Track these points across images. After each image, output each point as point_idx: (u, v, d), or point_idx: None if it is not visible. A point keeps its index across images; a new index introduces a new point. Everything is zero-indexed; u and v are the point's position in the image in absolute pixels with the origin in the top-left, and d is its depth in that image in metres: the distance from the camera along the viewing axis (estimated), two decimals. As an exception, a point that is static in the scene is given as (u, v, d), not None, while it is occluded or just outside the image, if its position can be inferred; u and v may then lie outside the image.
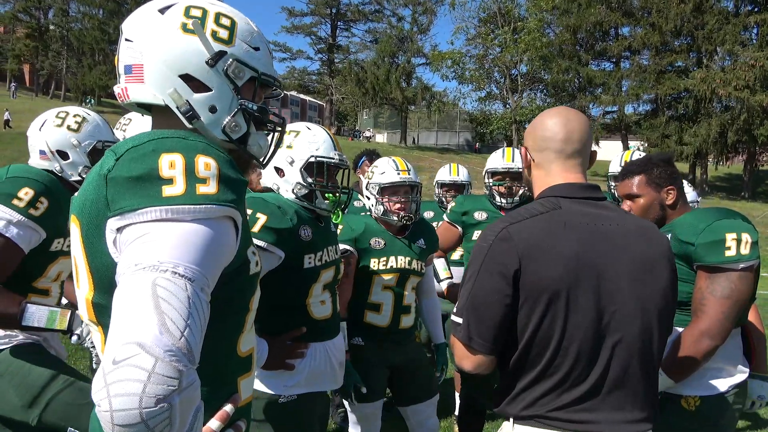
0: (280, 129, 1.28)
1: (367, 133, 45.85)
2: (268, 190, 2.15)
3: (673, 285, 1.44)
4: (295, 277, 1.96)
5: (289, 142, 2.05)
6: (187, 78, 1.09)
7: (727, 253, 1.84)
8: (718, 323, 1.82)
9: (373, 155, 4.24)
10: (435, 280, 3.10)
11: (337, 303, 2.18)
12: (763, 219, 19.50)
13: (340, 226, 2.55)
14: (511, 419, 1.40)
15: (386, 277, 2.60)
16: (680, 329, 1.89)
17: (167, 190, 0.90)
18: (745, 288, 1.86)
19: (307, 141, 2.06)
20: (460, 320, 1.41)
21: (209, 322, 0.97)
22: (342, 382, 2.18)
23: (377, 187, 2.65)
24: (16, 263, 1.87)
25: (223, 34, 1.12)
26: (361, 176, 4.35)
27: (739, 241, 1.84)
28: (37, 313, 1.79)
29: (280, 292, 1.95)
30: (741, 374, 1.99)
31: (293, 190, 2.02)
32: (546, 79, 36.00)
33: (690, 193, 2.81)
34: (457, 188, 4.05)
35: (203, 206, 0.91)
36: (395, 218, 2.62)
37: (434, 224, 3.83)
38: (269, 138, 1.28)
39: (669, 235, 1.96)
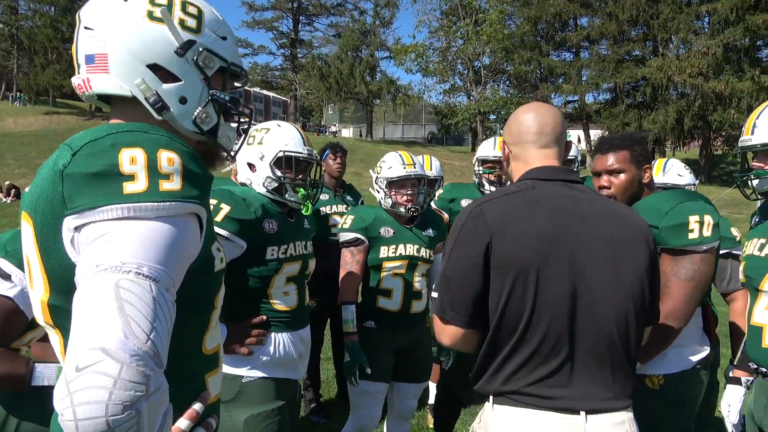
0: (247, 120, 1.26)
1: (333, 128, 45.62)
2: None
3: (649, 268, 1.46)
4: (257, 268, 2.01)
5: (261, 139, 2.14)
6: (155, 68, 1.05)
7: (691, 236, 1.86)
8: (682, 305, 1.86)
9: (336, 149, 4.22)
10: None
11: (306, 296, 2.21)
12: (719, 201, 20.23)
13: (351, 217, 2.78)
14: (491, 398, 1.42)
15: (395, 263, 2.73)
16: None
17: (128, 187, 0.87)
18: (707, 269, 1.89)
19: (276, 137, 2.14)
20: (436, 295, 1.47)
21: (175, 321, 0.94)
22: (303, 372, 2.24)
23: (385, 182, 2.79)
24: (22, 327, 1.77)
25: (191, 22, 1.09)
26: (325, 170, 4.33)
27: (701, 223, 1.87)
28: (45, 372, 1.73)
29: (243, 280, 2.01)
30: (702, 352, 2.04)
31: (264, 183, 2.10)
32: (508, 71, 36.41)
33: (687, 175, 2.86)
34: (429, 183, 4.00)
35: (167, 203, 0.88)
36: (403, 210, 2.75)
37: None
38: (237, 129, 1.26)
39: None
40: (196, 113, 1.11)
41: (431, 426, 3.63)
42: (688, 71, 28.45)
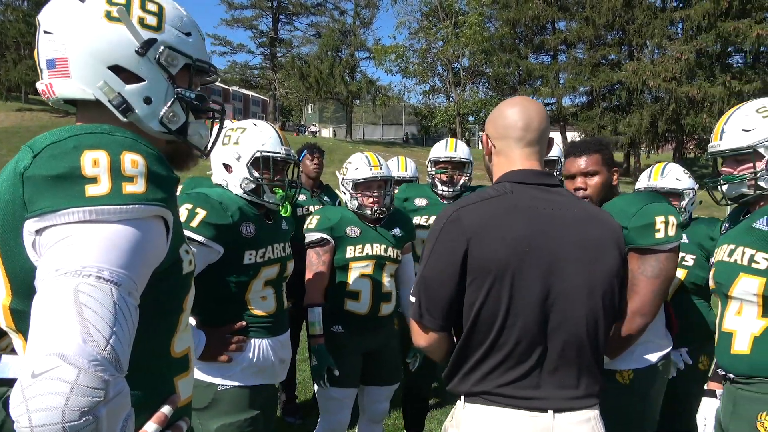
0: (219, 117, 1.25)
1: (313, 128, 45.41)
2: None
3: (620, 269, 1.50)
4: (234, 272, 1.97)
5: (236, 139, 2.09)
6: (116, 69, 1.03)
7: (657, 235, 1.93)
8: (649, 302, 1.92)
9: (313, 149, 4.22)
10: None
11: (284, 300, 2.17)
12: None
13: (317, 217, 2.73)
14: (462, 398, 1.45)
15: (362, 263, 2.70)
16: None
17: (91, 190, 0.86)
18: (672, 266, 1.97)
19: (253, 137, 2.09)
20: (413, 299, 1.48)
21: (141, 324, 0.94)
22: (283, 377, 2.20)
23: (351, 183, 2.75)
24: None
25: (151, 20, 1.07)
26: (302, 170, 4.32)
27: (667, 223, 1.93)
28: (11, 363, 1.68)
29: (220, 285, 1.97)
30: (666, 347, 2.14)
31: (241, 185, 2.05)
32: (487, 73, 36.70)
33: (686, 180, 2.90)
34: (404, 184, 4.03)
35: (130, 206, 0.87)
36: (369, 212, 2.73)
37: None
38: (210, 126, 1.24)
39: None
40: (162, 113, 1.09)
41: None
42: (662, 76, 29.02)
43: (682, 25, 30.83)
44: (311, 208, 3.97)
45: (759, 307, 1.74)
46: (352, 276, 2.71)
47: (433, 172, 3.52)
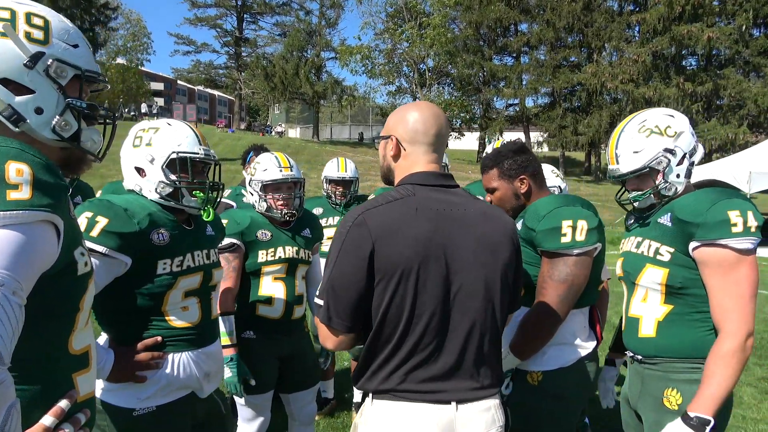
0: (110, 122, 1.30)
1: (279, 129, 44.99)
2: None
3: (514, 263, 1.58)
4: (147, 283, 1.78)
5: (149, 140, 1.92)
6: (5, 82, 1.08)
7: (563, 240, 1.95)
8: (555, 305, 1.96)
9: (261, 150, 4.21)
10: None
11: (212, 309, 2.01)
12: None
13: (224, 221, 2.47)
14: (370, 395, 1.50)
15: (275, 267, 2.62)
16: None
17: None
18: (582, 272, 1.98)
19: (167, 137, 1.92)
20: (321, 302, 1.49)
21: (36, 322, 1.01)
22: (207, 393, 1.99)
23: (260, 184, 2.64)
24: None
25: (38, 34, 1.12)
26: (245, 173, 4.33)
27: (574, 228, 1.95)
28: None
29: (132, 298, 1.78)
30: (583, 350, 2.14)
31: (156, 189, 1.87)
32: (452, 74, 37.08)
33: (552, 178, 2.92)
34: (344, 184, 4.08)
35: (15, 212, 0.93)
36: (278, 214, 2.64)
37: (323, 220, 3.94)
38: (103, 131, 1.29)
39: (520, 221, 2.10)
40: (54, 122, 1.14)
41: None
42: (620, 77, 29.91)
43: (639, 29, 31.79)
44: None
45: (662, 294, 1.87)
46: (265, 281, 2.61)
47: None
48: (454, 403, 1.46)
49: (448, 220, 1.49)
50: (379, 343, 1.48)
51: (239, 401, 2.66)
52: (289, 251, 2.67)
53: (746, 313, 1.69)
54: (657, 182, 1.90)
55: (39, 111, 1.12)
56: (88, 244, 1.66)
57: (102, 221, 1.70)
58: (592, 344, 2.19)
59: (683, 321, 1.84)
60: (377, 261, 1.43)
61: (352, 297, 1.45)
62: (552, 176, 2.95)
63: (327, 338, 1.52)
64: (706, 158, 19.99)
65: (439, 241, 1.46)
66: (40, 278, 1.01)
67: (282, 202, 2.65)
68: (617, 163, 1.98)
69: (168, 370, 1.83)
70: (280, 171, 2.66)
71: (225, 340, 2.48)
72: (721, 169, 13.86)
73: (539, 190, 2.21)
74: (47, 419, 1.07)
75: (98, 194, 3.13)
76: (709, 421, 1.65)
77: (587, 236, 1.97)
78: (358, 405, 3.56)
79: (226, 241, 2.53)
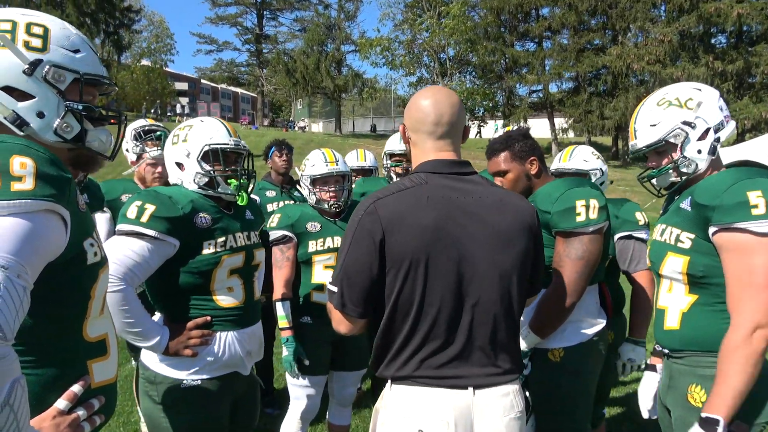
0: (115, 122, 1.36)
1: (302, 124, 45.26)
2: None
3: (532, 249, 1.57)
4: (195, 263, 1.97)
5: (185, 137, 2.11)
6: (8, 89, 1.15)
7: (578, 219, 2.00)
8: (574, 282, 1.99)
9: (282, 146, 4.31)
10: None
11: (255, 291, 2.19)
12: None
13: (278, 215, 2.85)
14: (389, 381, 1.53)
15: (325, 256, 2.81)
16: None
17: None
18: (596, 248, 2.03)
19: (200, 132, 2.11)
20: (335, 289, 1.53)
21: (48, 308, 1.08)
22: (249, 370, 2.19)
23: (309, 179, 2.88)
24: None
25: (36, 42, 1.18)
26: (271, 167, 4.41)
27: (587, 207, 2.00)
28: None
29: (182, 277, 1.98)
30: (598, 325, 2.20)
31: (194, 180, 2.07)
32: (473, 62, 36.68)
33: (593, 161, 2.98)
34: (364, 173, 4.18)
35: (18, 201, 0.99)
36: (327, 206, 2.85)
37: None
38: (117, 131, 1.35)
39: None
40: (55, 125, 1.20)
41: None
42: (647, 59, 29.13)
43: (665, 7, 30.89)
44: (281, 204, 4.07)
45: (685, 284, 1.79)
46: (317, 269, 2.81)
47: (389, 165, 3.64)
48: (471, 389, 1.48)
49: (459, 209, 1.50)
50: (393, 331, 1.51)
51: (292, 381, 2.82)
52: (338, 241, 2.82)
53: (758, 303, 1.54)
54: (675, 158, 1.83)
55: (40, 115, 1.18)
56: (139, 229, 1.86)
57: (150, 208, 1.89)
58: (603, 320, 2.24)
59: (708, 312, 1.74)
60: (388, 250, 1.46)
61: (364, 284, 1.48)
62: (593, 158, 3.01)
63: (340, 323, 1.58)
64: (739, 138, 19.43)
65: (451, 230, 1.47)
66: (49, 266, 1.07)
67: (330, 194, 2.85)
68: (635, 138, 1.94)
69: (215, 348, 2.01)
70: (327, 165, 2.88)
71: (283, 322, 2.74)
72: (754, 149, 13.47)
73: (545, 173, 2.27)
74: (61, 403, 1.14)
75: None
76: (717, 421, 1.54)
77: (599, 214, 2.02)
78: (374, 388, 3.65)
79: (279, 233, 2.81)
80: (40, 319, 1.09)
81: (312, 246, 2.81)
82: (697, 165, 1.81)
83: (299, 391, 2.83)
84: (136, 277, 1.89)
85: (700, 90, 1.87)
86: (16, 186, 1.00)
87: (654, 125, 1.87)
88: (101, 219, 2.92)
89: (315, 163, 2.90)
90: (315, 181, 2.87)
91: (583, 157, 3.02)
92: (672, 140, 1.83)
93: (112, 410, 1.32)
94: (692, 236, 1.73)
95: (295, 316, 2.77)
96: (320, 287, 2.81)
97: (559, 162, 3.09)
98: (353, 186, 3.90)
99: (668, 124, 1.84)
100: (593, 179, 2.94)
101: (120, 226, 1.93)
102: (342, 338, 2.80)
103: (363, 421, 3.85)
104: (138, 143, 3.11)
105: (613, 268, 2.75)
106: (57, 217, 1.08)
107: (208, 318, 2.01)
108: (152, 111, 40.07)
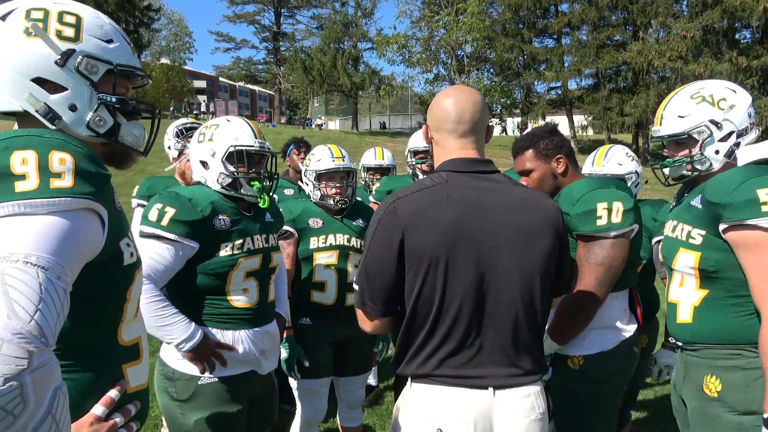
0: (150, 116, 1.31)
1: (319, 121, 45.37)
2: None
3: (557, 250, 1.54)
4: (211, 265, 2.00)
5: (211, 136, 2.12)
6: (40, 81, 1.11)
7: (599, 222, 1.94)
8: (593, 289, 1.93)
9: (300, 144, 4.32)
10: None
11: (269, 293, 2.20)
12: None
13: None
14: (409, 379, 1.53)
15: (326, 254, 2.75)
16: None
17: (20, 186, 0.94)
18: (619, 254, 1.96)
19: (226, 132, 2.12)
20: (356, 287, 1.55)
21: (84, 310, 1.04)
22: (267, 369, 2.20)
23: (314, 174, 2.82)
24: None
25: (69, 32, 1.13)
26: (289, 165, 4.42)
27: (610, 210, 1.93)
28: None
29: (198, 279, 2.00)
30: (625, 332, 2.11)
31: (218, 180, 2.08)
32: (491, 58, 36.39)
33: (629, 164, 2.90)
34: (382, 171, 4.17)
35: (58, 199, 0.96)
36: (332, 202, 2.79)
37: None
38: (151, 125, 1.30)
39: None
40: (88, 118, 1.16)
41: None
42: (668, 55, 28.62)
43: (687, 2, 30.33)
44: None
45: (696, 279, 1.81)
46: (317, 267, 2.75)
47: (414, 162, 3.60)
48: (491, 389, 1.46)
49: (480, 207, 1.48)
50: (414, 329, 1.50)
51: (296, 386, 2.77)
52: (341, 238, 2.79)
53: None
54: (693, 153, 1.82)
55: (73, 108, 1.14)
56: (159, 232, 1.89)
57: (170, 211, 1.92)
58: (633, 327, 2.16)
59: (719, 306, 1.76)
60: (407, 249, 1.45)
61: (384, 283, 1.48)
62: (627, 160, 2.90)
63: (363, 321, 1.59)
64: (763, 135, 19.00)
65: (471, 228, 1.45)
66: (86, 267, 1.04)
67: (334, 190, 2.80)
68: (660, 124, 1.93)
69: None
70: (333, 161, 2.83)
71: None
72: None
73: (574, 171, 2.19)
74: (98, 409, 1.11)
75: (135, 190, 3.29)
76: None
77: (623, 218, 1.94)
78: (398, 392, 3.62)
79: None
80: (76, 321, 1.06)
81: (313, 242, 2.76)
82: (711, 164, 1.82)
83: (303, 396, 2.79)
84: (159, 279, 1.93)
85: (735, 92, 1.85)
86: (55, 183, 0.97)
87: (682, 117, 1.86)
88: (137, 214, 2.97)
89: (321, 158, 2.86)
90: (320, 177, 2.83)
91: (618, 161, 2.91)
92: (695, 135, 1.83)
93: (145, 416, 1.29)
94: (703, 233, 1.76)
95: (294, 316, 2.71)
96: (320, 286, 2.76)
97: (592, 166, 2.99)
98: (377, 185, 3.92)
99: (696, 118, 1.83)
100: (628, 183, 2.83)
101: (142, 228, 1.95)
102: (344, 342, 2.83)
103: (380, 419, 3.84)
104: (179, 140, 3.21)
105: (649, 271, 2.68)
106: (95, 215, 1.04)
107: (239, 350, 2.04)
108: (171, 109, 40.50)
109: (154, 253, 1.91)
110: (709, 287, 1.79)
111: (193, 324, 1.96)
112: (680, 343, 1.91)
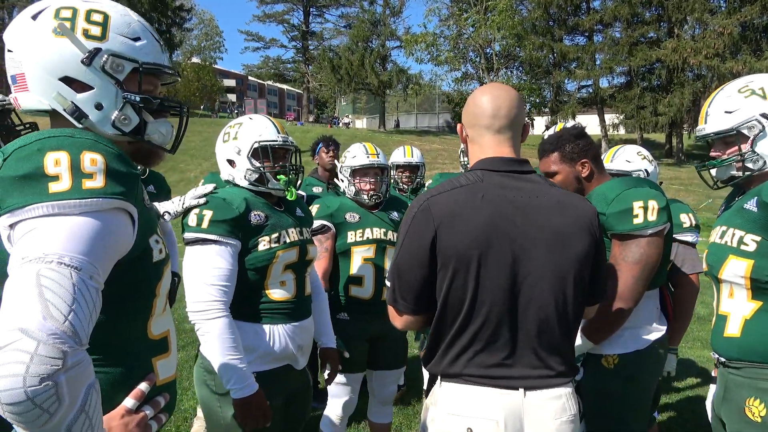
0: (177, 113, 1.32)
1: (346, 120, 45.58)
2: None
3: (592, 253, 1.51)
4: (252, 260, 2.01)
5: (235, 134, 2.17)
6: (67, 80, 1.13)
7: (635, 221, 1.91)
8: (631, 287, 1.91)
9: (329, 142, 4.33)
10: None
11: (306, 286, 2.21)
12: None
13: (316, 206, 2.84)
14: (439, 377, 1.52)
15: (364, 248, 2.80)
16: None
17: (53, 187, 0.96)
18: (655, 251, 1.94)
19: (250, 129, 2.16)
20: (389, 284, 1.55)
21: (114, 307, 1.05)
22: (302, 365, 2.20)
23: (349, 170, 2.90)
24: None
25: (95, 30, 1.14)
26: (318, 163, 4.43)
27: (645, 208, 1.91)
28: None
29: (239, 274, 2.00)
30: (658, 331, 2.10)
31: (245, 176, 2.12)
32: (521, 57, 35.99)
33: (638, 161, 2.83)
34: (411, 169, 4.15)
35: (90, 200, 0.97)
36: (366, 197, 2.86)
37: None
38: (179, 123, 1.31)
39: None
40: (113, 117, 1.17)
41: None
42: (704, 52, 27.92)
43: (725, -2, 29.51)
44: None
45: (747, 290, 1.69)
46: (355, 261, 2.79)
47: (465, 162, 3.77)
48: (521, 390, 1.44)
49: (515, 207, 1.45)
50: (444, 328, 1.49)
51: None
52: (377, 232, 2.84)
53: None
54: (743, 150, 1.72)
55: (99, 107, 1.15)
56: (202, 235, 1.92)
57: (208, 213, 1.96)
58: (663, 327, 2.14)
59: None
60: (439, 247, 1.43)
61: (416, 281, 1.47)
62: (637, 158, 2.84)
63: (394, 318, 1.59)
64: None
65: (504, 228, 1.43)
66: (117, 264, 1.05)
67: (369, 186, 2.86)
68: (705, 122, 1.84)
69: (267, 340, 2.04)
70: (368, 157, 2.91)
71: None
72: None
73: (600, 174, 2.17)
74: (128, 401, 1.13)
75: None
76: None
77: (658, 216, 1.92)
78: (427, 391, 3.59)
79: (317, 223, 2.76)
80: (107, 317, 1.06)
81: (351, 236, 2.80)
82: (765, 162, 1.72)
83: (336, 388, 2.82)
84: (230, 289, 1.94)
85: None
86: (87, 184, 0.98)
87: (729, 112, 1.77)
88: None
89: (356, 155, 2.94)
90: (355, 172, 2.90)
91: (626, 158, 2.85)
92: (745, 131, 1.73)
93: (173, 408, 1.31)
94: (758, 238, 1.65)
95: (332, 311, 2.68)
96: (358, 280, 2.80)
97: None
98: (424, 182, 4.07)
99: (746, 113, 1.74)
100: None
101: (185, 236, 1.98)
102: (379, 336, 2.86)
103: (406, 418, 3.83)
104: None
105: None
106: (126, 214, 1.06)
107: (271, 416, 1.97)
108: (202, 108, 41.17)
109: (209, 265, 1.92)
110: (762, 299, 1.67)
111: (252, 377, 1.93)
112: (723, 359, 1.80)
